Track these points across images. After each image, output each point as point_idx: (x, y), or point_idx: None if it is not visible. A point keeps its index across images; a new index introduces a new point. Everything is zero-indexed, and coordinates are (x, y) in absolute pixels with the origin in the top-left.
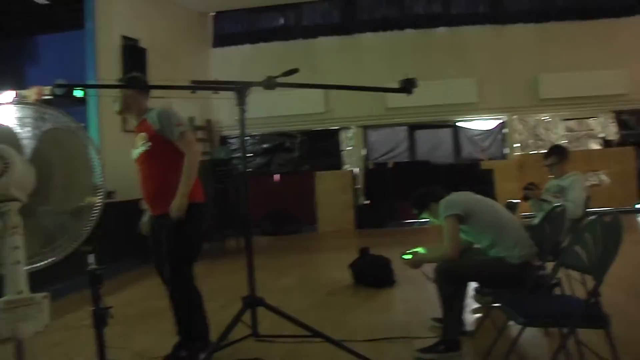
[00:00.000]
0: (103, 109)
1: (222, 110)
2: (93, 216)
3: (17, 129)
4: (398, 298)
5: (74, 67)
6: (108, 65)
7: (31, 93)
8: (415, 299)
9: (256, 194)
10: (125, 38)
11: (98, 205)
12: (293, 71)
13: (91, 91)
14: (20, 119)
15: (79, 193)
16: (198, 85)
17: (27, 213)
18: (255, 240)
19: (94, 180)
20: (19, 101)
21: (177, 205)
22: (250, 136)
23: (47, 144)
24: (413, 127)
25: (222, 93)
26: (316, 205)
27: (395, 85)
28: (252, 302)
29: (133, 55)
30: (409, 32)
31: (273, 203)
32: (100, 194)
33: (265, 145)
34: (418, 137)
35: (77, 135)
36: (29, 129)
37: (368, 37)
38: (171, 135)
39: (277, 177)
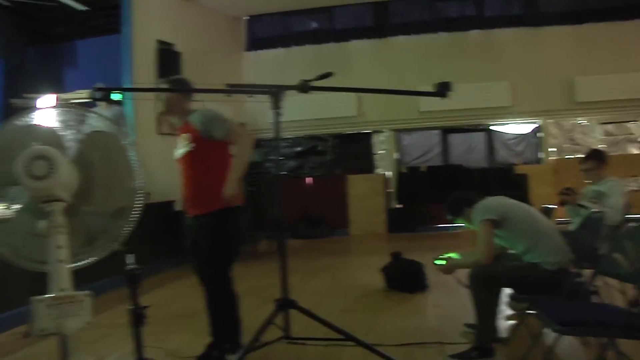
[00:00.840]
0: (138, 111)
1: (255, 113)
2: (133, 217)
3: (61, 132)
4: (430, 303)
5: (111, 71)
6: (143, 68)
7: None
8: (447, 304)
9: (288, 197)
10: (160, 42)
11: (138, 207)
12: (327, 75)
13: (127, 94)
14: (63, 121)
15: (120, 194)
16: (234, 89)
17: (70, 213)
18: (287, 243)
19: (133, 182)
20: (62, 104)
21: (229, 190)
22: (283, 139)
23: (89, 146)
24: (446, 131)
25: (256, 96)
26: (348, 208)
27: (428, 88)
28: (284, 304)
29: (168, 59)
30: (441, 35)
31: (305, 206)
32: (140, 195)
33: (297, 149)
34: (451, 141)
35: (117, 137)
36: (71, 131)
37: (400, 40)
38: (218, 135)
39: (309, 180)
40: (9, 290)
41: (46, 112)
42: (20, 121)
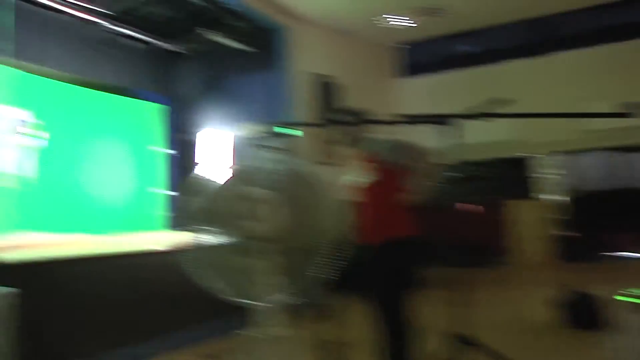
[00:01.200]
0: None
1: (415, 140)
2: (334, 254)
3: (261, 171)
4: (610, 344)
5: (269, 105)
6: (304, 101)
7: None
8: (630, 346)
9: (448, 224)
10: (316, 75)
11: (338, 244)
12: (503, 101)
13: (293, 128)
14: (256, 159)
15: (319, 233)
16: (411, 119)
17: (276, 252)
18: (446, 273)
19: (330, 220)
20: (250, 141)
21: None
22: (442, 165)
23: (291, 184)
24: (621, 151)
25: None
26: (513, 236)
27: (599, 106)
28: (464, 341)
29: (326, 91)
30: (606, 47)
31: (465, 234)
32: (339, 233)
33: (455, 174)
34: (630, 162)
35: (314, 174)
36: (269, 169)
37: (561, 57)
38: (402, 162)
39: (472, 206)
40: (194, 309)
41: (225, 148)
42: (219, 160)
